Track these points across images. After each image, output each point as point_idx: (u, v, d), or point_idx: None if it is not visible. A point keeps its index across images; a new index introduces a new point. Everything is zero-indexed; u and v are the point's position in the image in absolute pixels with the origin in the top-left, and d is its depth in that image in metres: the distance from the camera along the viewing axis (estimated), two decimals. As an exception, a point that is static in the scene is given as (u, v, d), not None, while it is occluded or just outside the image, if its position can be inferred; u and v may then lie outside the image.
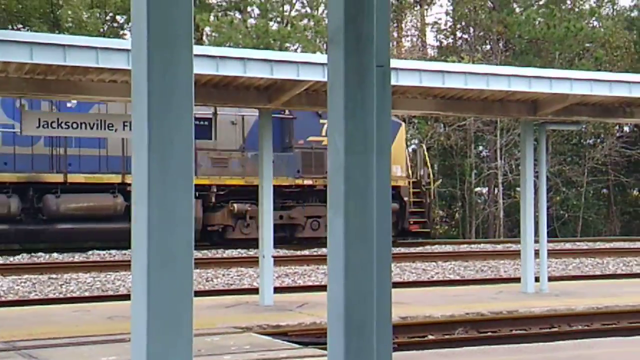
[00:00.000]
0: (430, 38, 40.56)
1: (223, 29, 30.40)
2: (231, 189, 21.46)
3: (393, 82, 10.68)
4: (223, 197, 21.51)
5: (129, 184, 18.80)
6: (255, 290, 12.06)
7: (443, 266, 19.17)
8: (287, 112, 21.17)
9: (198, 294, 13.34)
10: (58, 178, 19.79)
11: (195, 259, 18.53)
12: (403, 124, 23.74)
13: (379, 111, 3.50)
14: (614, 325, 11.09)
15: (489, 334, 10.46)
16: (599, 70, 32.37)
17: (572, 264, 20.15)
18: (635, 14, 41.92)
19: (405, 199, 23.60)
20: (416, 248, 23.08)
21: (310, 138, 22.41)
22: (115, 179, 20.27)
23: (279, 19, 33.34)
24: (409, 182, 23.86)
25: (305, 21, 32.43)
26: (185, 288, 2.87)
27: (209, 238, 22.11)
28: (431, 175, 25.37)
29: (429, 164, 25.25)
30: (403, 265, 19.07)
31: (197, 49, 9.96)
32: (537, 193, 13.99)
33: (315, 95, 10.89)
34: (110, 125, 11.47)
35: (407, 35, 40.71)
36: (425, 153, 25.45)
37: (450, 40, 39.90)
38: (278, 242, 21.36)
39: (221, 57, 9.52)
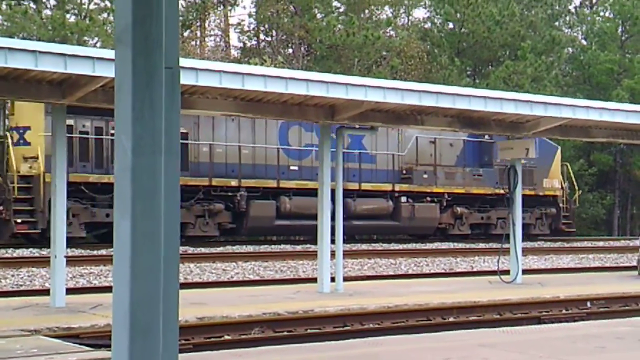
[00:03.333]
0: (234, 39, 40.73)
1: (16, 18, 29.06)
2: (455, 196, 28.12)
3: (192, 82, 10.65)
4: (450, 202, 28.08)
5: (397, 191, 26.92)
6: (47, 292, 11.62)
7: (243, 266, 19.29)
8: (486, 136, 27.01)
9: (-17, 296, 12.67)
10: (355, 186, 25.99)
11: (-19, 259, 17.54)
12: (559, 147, 31.14)
13: (168, 112, 3.49)
14: (402, 323, 11.59)
15: (285, 333, 10.64)
16: (394, 78, 33.80)
17: (367, 264, 20.86)
18: (428, 25, 44.07)
19: (560, 205, 30.84)
20: (217, 248, 23.09)
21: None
22: (387, 187, 26.76)
23: (76, 12, 32.27)
24: (563, 193, 31.00)
25: (105, 15, 31.60)
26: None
27: (439, 232, 28.65)
28: (576, 187, 32.21)
29: (573, 179, 32.00)
30: (203, 265, 19.02)
31: (-16, 40, 9.46)
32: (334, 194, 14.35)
33: (112, 92, 10.63)
34: None
35: (211, 35, 40.67)
36: (570, 169, 31.87)
37: (254, 42, 40.23)
38: (474, 237, 29.27)
39: (10, 49, 9.09)
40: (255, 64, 30.13)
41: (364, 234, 28.25)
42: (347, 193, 24.36)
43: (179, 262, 3.52)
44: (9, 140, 21.99)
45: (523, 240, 28.17)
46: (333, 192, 25.70)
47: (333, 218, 28.95)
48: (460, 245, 27.41)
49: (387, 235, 28.00)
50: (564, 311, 13.08)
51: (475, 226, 29.22)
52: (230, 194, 24.20)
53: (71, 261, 17.11)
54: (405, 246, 26.15)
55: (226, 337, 10.11)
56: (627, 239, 32.25)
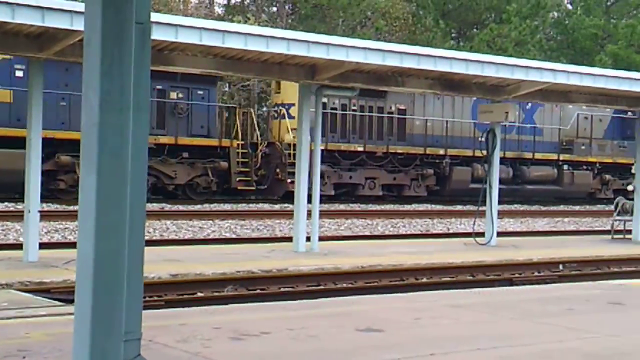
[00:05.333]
0: (219, -4, 40.33)
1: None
2: (604, 165, 32.87)
3: (172, 38, 10.57)
4: (600, 170, 32.72)
5: (561, 160, 31.37)
6: (21, 246, 11.62)
7: (220, 224, 19.32)
8: (629, 113, 29.80)
9: (-43, 249, 12.65)
10: (529, 155, 30.57)
11: (-44, 212, 17.38)
12: None
13: (138, 69, 3.46)
14: (375, 284, 11.68)
15: (258, 291, 10.72)
16: (379, 39, 33.64)
17: (344, 225, 20.93)
18: (414, -14, 43.65)
19: None
20: (194, 206, 23.09)
21: None
22: (553, 156, 31.37)
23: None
24: None
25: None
26: None
27: (587, 196, 33.01)
28: None
29: None
30: (180, 222, 19.03)
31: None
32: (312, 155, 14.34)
33: (90, 46, 10.53)
34: None
35: (195, -9, 40.20)
36: None
37: (238, 0, 39.86)
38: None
39: (-14, 1, 8.98)
40: (239, 22, 29.88)
41: (538, 197, 32.05)
42: (523, 161, 30.81)
43: (145, 219, 3.54)
44: (282, 114, 26.62)
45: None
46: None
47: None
48: (438, 207, 27.56)
49: (550, 199, 32.26)
50: (536, 273, 13.24)
51: (616, 191, 32.56)
52: (437, 161, 28.83)
53: (47, 216, 17.10)
54: (382, 207, 26.23)
55: (199, 294, 10.17)
56: (604, 204, 33.20)
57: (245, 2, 39.38)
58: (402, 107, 28.17)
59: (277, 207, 24.14)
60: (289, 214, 19.64)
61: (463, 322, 7.65)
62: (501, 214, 21.59)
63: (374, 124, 27.80)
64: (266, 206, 24.43)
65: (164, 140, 23.93)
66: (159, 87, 23.68)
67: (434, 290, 10.35)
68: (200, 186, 25.08)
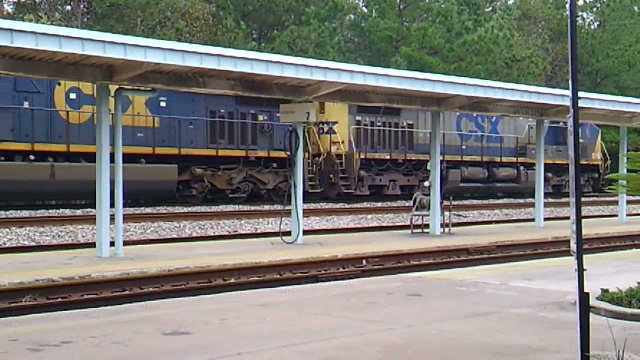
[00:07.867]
0: (9, -6, 38.51)
1: None
2: (547, 166, 36.77)
3: (-46, 37, 9.96)
4: (545, 169, 38.45)
5: (519, 163, 38.83)
6: None
7: (18, 232, 18.47)
8: (561, 123, 36.93)
9: None
10: (498, 159, 37.72)
11: None
12: (600, 130, 42.55)
13: None
14: (183, 286, 11.57)
15: (60, 300, 10.33)
16: (180, 40, 33.31)
17: (151, 228, 20.58)
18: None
19: (600, 171, 42.68)
20: (-11, 215, 21.93)
21: None
22: (513, 160, 38.66)
23: None
24: (602, 163, 43.17)
25: None
26: None
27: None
28: (607, 158, 42.99)
29: (605, 152, 43.12)
30: (-28, 233, 18.02)
31: None
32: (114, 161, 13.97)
33: None
34: None
35: (-18, -11, 38.18)
36: (603, 146, 43.29)
37: (30, -2, 38.25)
38: (556, 194, 40.95)
39: None
40: (30, 21, 28.68)
41: (501, 193, 39.87)
42: (494, 164, 37.93)
43: None
44: (328, 130, 32.41)
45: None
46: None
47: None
48: (246, 207, 27.69)
49: (511, 193, 39.93)
50: (341, 270, 13.57)
51: (554, 187, 40.93)
52: None
53: None
54: (189, 210, 26.01)
55: (-5, 306, 9.67)
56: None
57: (37, 0, 37.81)
58: (411, 122, 34.62)
59: (79, 212, 23.37)
60: (92, 219, 19.04)
61: (270, 320, 7.71)
62: (307, 213, 22.00)
63: (392, 137, 34.06)
64: (67, 212, 23.61)
65: (260, 154, 29.98)
66: (252, 111, 29.46)
67: (243, 290, 10.37)
68: (282, 190, 29.88)
